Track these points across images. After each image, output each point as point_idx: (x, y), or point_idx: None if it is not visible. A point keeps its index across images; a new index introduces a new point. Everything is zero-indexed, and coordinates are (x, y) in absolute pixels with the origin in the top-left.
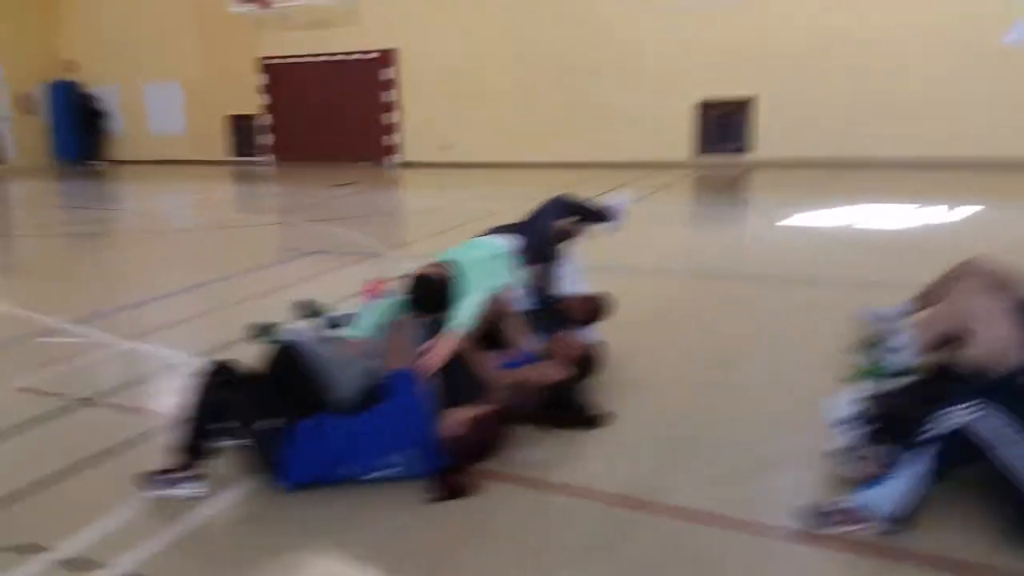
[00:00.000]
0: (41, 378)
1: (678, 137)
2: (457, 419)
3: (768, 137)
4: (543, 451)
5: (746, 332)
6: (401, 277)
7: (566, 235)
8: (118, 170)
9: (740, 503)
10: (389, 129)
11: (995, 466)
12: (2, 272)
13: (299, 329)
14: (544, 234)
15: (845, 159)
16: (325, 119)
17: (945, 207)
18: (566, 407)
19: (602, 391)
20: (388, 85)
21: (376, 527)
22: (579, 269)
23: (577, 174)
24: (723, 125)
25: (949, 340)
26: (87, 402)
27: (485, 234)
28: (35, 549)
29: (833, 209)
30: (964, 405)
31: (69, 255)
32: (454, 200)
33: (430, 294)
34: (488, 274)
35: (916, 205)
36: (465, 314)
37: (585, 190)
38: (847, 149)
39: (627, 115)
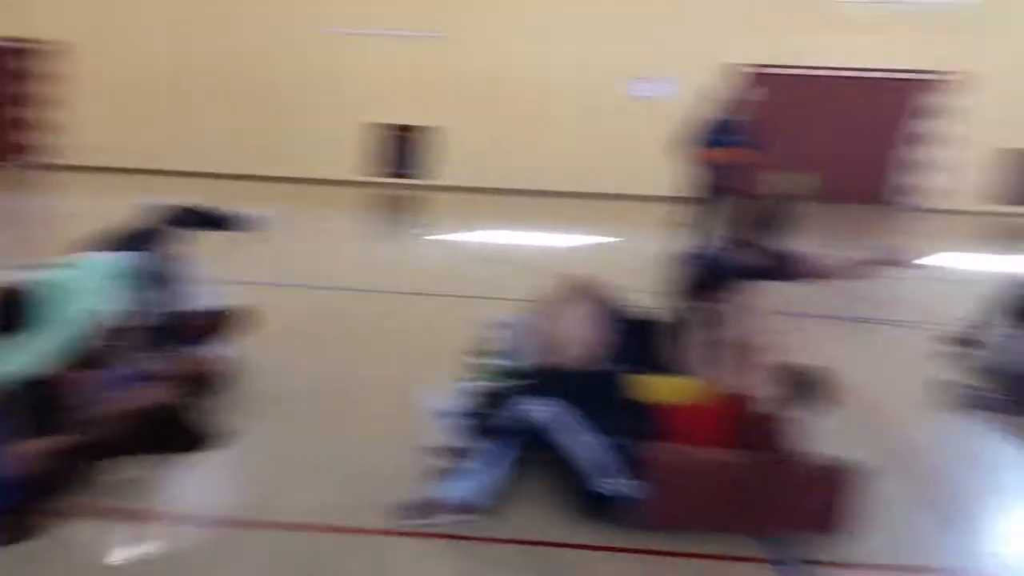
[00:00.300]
0: None
1: (355, 158)
2: (23, 453)
3: (441, 163)
4: (144, 479)
5: (382, 343)
6: None
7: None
8: None
9: (348, 510)
10: (25, 125)
11: (561, 454)
12: None
13: None
14: (162, 245)
15: (507, 188)
16: None
17: (576, 233)
18: (176, 430)
19: (230, 408)
20: (21, 77)
21: None
22: (209, 283)
23: (249, 187)
24: (399, 149)
25: (549, 345)
26: None
27: (98, 245)
28: None
29: (486, 230)
30: (535, 400)
31: None
32: (109, 207)
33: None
34: (87, 294)
35: (554, 231)
36: (47, 342)
37: (240, 204)
38: (509, 179)
39: (306, 132)
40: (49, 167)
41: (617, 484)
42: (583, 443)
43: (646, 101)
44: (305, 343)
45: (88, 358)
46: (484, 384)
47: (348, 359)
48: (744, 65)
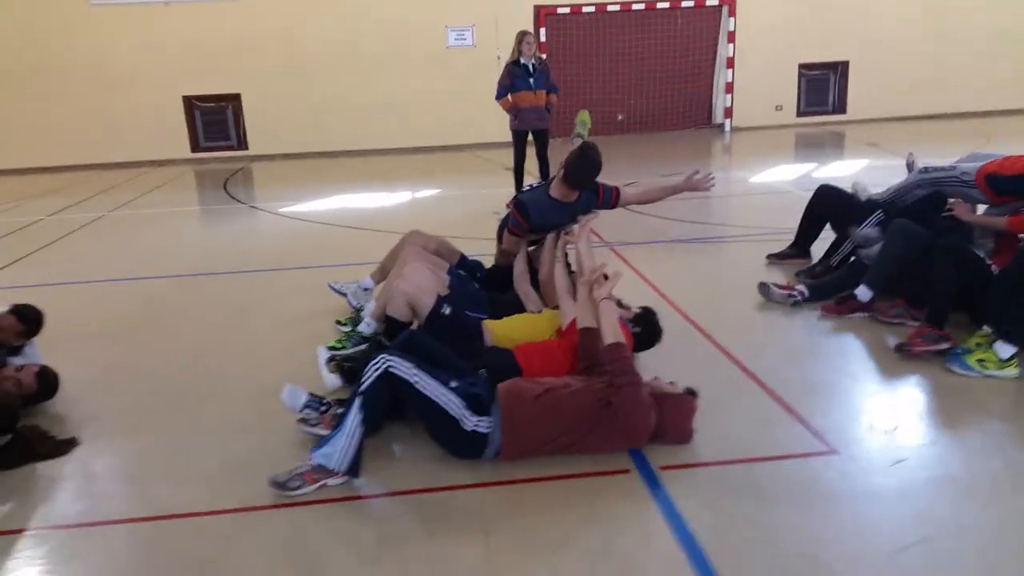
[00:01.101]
0: None
1: (169, 134)
2: None
3: (260, 132)
4: (12, 496)
5: (230, 323)
6: None
7: None
8: None
9: (227, 493)
10: None
11: (421, 402)
12: None
13: None
14: None
15: (328, 151)
16: None
17: (409, 190)
18: (23, 441)
19: (75, 415)
20: None
21: None
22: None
23: (58, 179)
24: (213, 121)
25: (398, 300)
26: None
27: None
28: None
29: (321, 198)
30: (392, 356)
31: None
32: None
33: None
34: None
35: (386, 190)
36: None
37: (64, 198)
38: (326, 142)
39: (112, 113)
40: None
41: (473, 421)
42: (436, 388)
43: (451, 50)
44: (150, 335)
45: None
46: (343, 350)
47: (199, 346)
48: (539, 7)
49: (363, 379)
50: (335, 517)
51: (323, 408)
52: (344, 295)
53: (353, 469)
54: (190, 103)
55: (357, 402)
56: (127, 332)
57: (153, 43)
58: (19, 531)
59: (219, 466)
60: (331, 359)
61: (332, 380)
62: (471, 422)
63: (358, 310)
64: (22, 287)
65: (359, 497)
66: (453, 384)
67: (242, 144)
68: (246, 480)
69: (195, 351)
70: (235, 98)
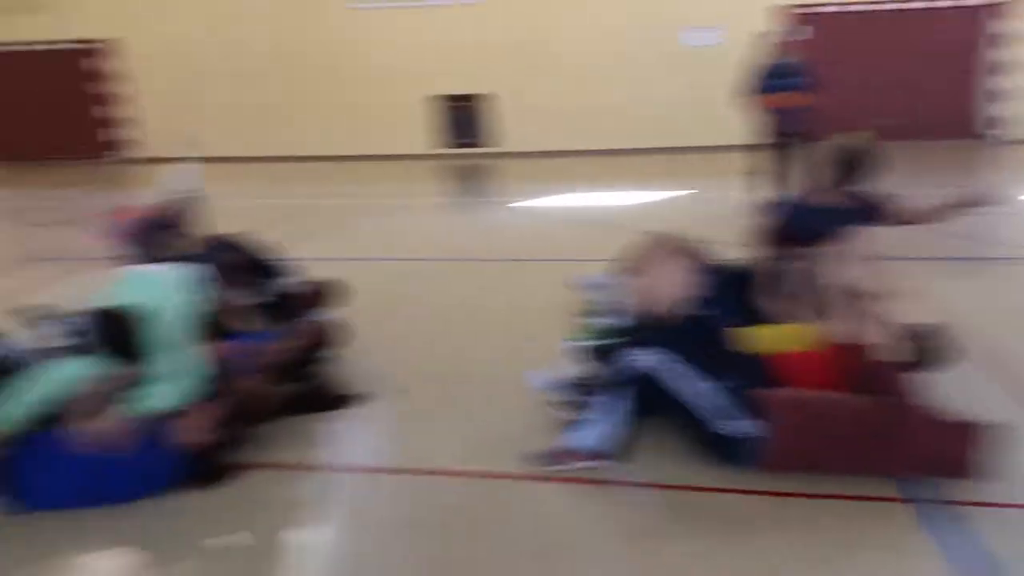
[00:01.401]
0: None
1: (419, 131)
2: (188, 429)
3: (504, 130)
4: (301, 437)
5: (475, 308)
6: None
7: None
8: None
9: (484, 459)
10: (107, 123)
11: (674, 400)
12: None
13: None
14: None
15: (572, 150)
16: (30, 115)
17: (649, 189)
18: (313, 392)
19: (350, 374)
20: (96, 76)
21: (130, 517)
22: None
23: (314, 168)
24: (460, 119)
25: (647, 299)
26: None
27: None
28: None
29: (563, 195)
30: (646, 350)
31: None
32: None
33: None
34: (174, 306)
35: (627, 188)
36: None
37: (329, 185)
38: (572, 141)
39: (369, 109)
40: (123, 162)
41: (735, 425)
42: (694, 388)
43: (699, 50)
44: (407, 313)
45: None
46: (590, 343)
47: (447, 327)
48: (792, 6)
49: (615, 371)
50: (583, 498)
51: (570, 394)
52: (584, 289)
53: (604, 455)
54: (439, 101)
55: (610, 392)
56: (382, 308)
57: (406, 43)
58: (300, 467)
59: (473, 434)
60: (577, 350)
61: (578, 369)
62: (724, 425)
63: (600, 306)
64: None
65: (607, 482)
66: (706, 384)
67: (487, 142)
68: (497, 450)
69: (443, 331)
70: (482, 97)
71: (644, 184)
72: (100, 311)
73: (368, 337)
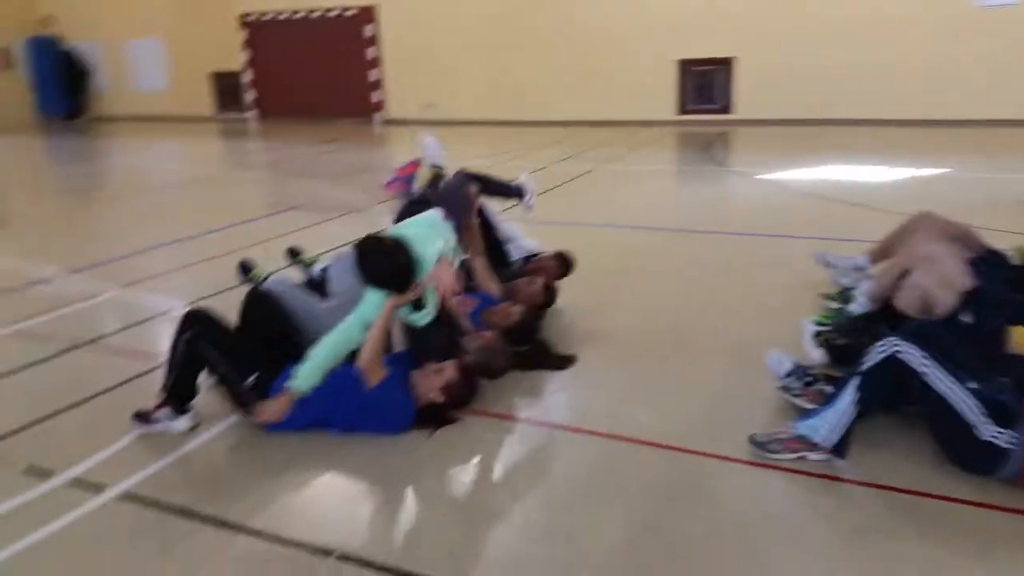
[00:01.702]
0: (35, 323)
1: (658, 96)
2: (429, 386)
3: (747, 96)
4: (520, 392)
5: (715, 282)
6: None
7: (471, 202)
8: (102, 126)
9: (698, 436)
10: (374, 86)
11: (924, 394)
12: None
13: (282, 278)
14: (458, 203)
15: (822, 119)
16: (308, 75)
17: (915, 167)
18: (539, 351)
19: (573, 337)
20: (370, 41)
21: (358, 453)
22: (517, 231)
23: (556, 132)
24: (703, 84)
25: (916, 292)
26: (80, 345)
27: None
28: (45, 473)
29: (809, 167)
30: (906, 342)
31: (58, 209)
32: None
33: (394, 266)
34: (433, 244)
35: (887, 164)
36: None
37: (563, 149)
38: (823, 109)
39: (606, 73)
40: (382, 123)
41: (1000, 433)
42: (959, 388)
43: (995, 10)
44: (634, 280)
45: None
46: (835, 328)
47: (679, 299)
48: None
49: (865, 359)
50: (813, 492)
51: (807, 380)
52: (833, 268)
53: (839, 448)
54: (683, 66)
55: (855, 381)
56: (616, 274)
57: (653, 6)
58: (518, 420)
59: (697, 410)
60: (818, 334)
61: (818, 355)
62: (988, 432)
63: (847, 289)
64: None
65: (839, 479)
66: (972, 385)
67: (728, 108)
68: (720, 430)
69: (676, 302)
70: (728, 61)
71: (900, 159)
72: (381, 246)
73: (595, 302)
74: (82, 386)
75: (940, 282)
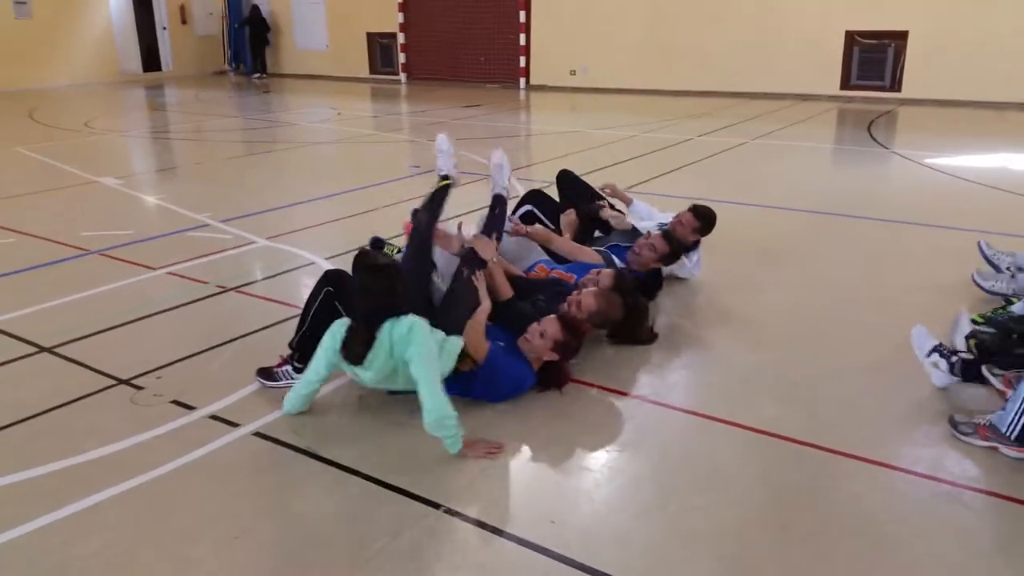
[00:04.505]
0: (189, 266)
1: (822, 68)
2: (539, 348)
3: (918, 74)
4: (640, 368)
5: (863, 271)
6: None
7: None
8: (272, 83)
9: (823, 431)
10: (523, 50)
11: None
12: (158, 171)
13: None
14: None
15: (1000, 101)
16: (458, 39)
17: None
18: (638, 321)
19: (706, 316)
20: (523, 4)
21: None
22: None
23: (708, 103)
24: (871, 59)
25: None
26: (228, 290)
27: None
28: (188, 407)
29: (982, 153)
30: None
31: (219, 160)
32: (580, 125)
33: None
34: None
35: None
36: None
37: (714, 121)
38: (1002, 91)
39: (767, 43)
40: (536, 88)
41: None
42: None
43: None
44: (776, 263)
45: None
46: (990, 322)
47: (829, 285)
48: None
49: None
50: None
51: (952, 362)
52: (994, 267)
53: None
54: (851, 38)
55: None
56: (758, 255)
57: None
58: (629, 394)
59: (825, 405)
60: (971, 335)
61: (938, 376)
62: None
63: (1011, 287)
64: (667, 196)
65: (974, 488)
66: None
67: (895, 85)
68: (847, 427)
69: (818, 290)
70: (901, 35)
71: None
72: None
73: (734, 283)
74: (228, 328)
75: None
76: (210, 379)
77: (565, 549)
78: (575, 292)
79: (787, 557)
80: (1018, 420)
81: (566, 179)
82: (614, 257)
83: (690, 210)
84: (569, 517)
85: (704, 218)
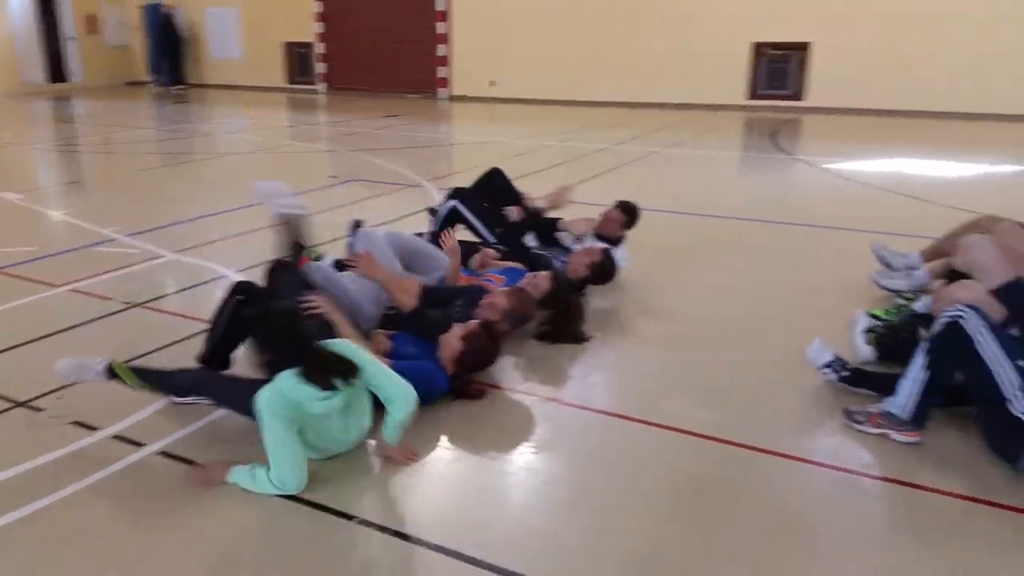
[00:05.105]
0: (94, 283)
1: (729, 79)
2: (452, 336)
3: (820, 83)
4: (554, 372)
5: (771, 274)
6: None
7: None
8: (188, 93)
9: (734, 427)
10: (441, 61)
11: (972, 363)
12: (64, 184)
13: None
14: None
15: (896, 109)
16: (378, 49)
17: (991, 164)
18: (559, 319)
19: (619, 318)
20: (441, 16)
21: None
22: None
23: (622, 113)
24: (776, 69)
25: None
26: (135, 306)
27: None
28: (90, 427)
29: (878, 159)
30: (958, 306)
31: (128, 173)
32: (500, 135)
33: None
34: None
35: (961, 160)
36: None
37: (626, 131)
38: (899, 100)
39: (677, 55)
40: (455, 99)
41: None
42: (1005, 362)
43: None
44: (687, 267)
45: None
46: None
47: (735, 287)
48: None
49: (933, 328)
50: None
51: (844, 374)
52: (885, 265)
53: (917, 419)
54: (758, 50)
55: (923, 347)
56: (669, 260)
57: None
58: (545, 397)
59: (736, 402)
60: (870, 329)
61: (865, 351)
62: (1021, 406)
63: (904, 288)
64: (583, 203)
65: (874, 476)
66: (1020, 363)
67: (799, 95)
68: (757, 422)
69: (728, 292)
70: (804, 47)
71: (975, 156)
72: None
73: (646, 286)
74: (134, 345)
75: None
76: (113, 398)
77: (483, 553)
78: (488, 296)
79: (699, 547)
80: (911, 401)
81: (499, 177)
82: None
83: (617, 206)
84: (487, 521)
85: (630, 212)
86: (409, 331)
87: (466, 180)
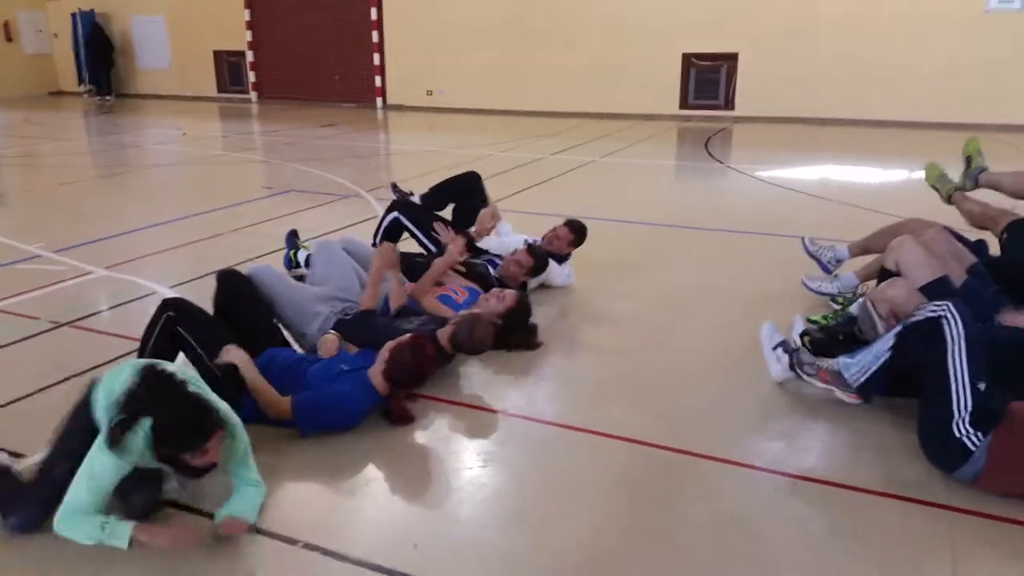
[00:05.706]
0: (18, 301)
1: (661, 90)
2: (385, 348)
3: (749, 93)
4: (496, 382)
5: (707, 280)
6: None
7: None
8: (116, 103)
9: (676, 433)
10: (377, 70)
11: (937, 367)
12: None
13: (264, 266)
14: None
15: (822, 118)
16: (312, 58)
17: (911, 169)
18: (511, 332)
19: (560, 329)
20: (375, 25)
21: (320, 442)
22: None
23: (558, 123)
24: (706, 80)
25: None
26: (62, 325)
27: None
28: (16, 455)
29: (807, 166)
30: (949, 304)
31: (52, 186)
32: (438, 144)
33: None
34: None
35: (885, 166)
36: None
37: (562, 141)
38: (824, 108)
39: (610, 66)
40: (381, 108)
41: (971, 436)
42: (966, 380)
43: (1003, 15)
44: (624, 276)
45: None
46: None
47: (674, 294)
48: None
49: (916, 314)
50: (782, 492)
51: (792, 358)
52: (817, 260)
53: (865, 391)
54: (688, 60)
55: (897, 329)
56: (606, 269)
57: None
58: (487, 408)
59: (677, 408)
60: (804, 332)
61: (776, 369)
62: (963, 430)
63: (838, 291)
64: (523, 212)
65: (812, 480)
66: (982, 385)
67: (729, 104)
68: (698, 428)
69: (666, 299)
70: (732, 57)
71: (895, 162)
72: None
73: (584, 296)
74: (62, 366)
75: (909, 300)
76: (41, 422)
77: (431, 571)
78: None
79: (643, 554)
80: (863, 372)
81: (476, 179)
82: (490, 268)
83: (566, 224)
84: (432, 538)
85: (578, 231)
86: (354, 332)
87: (406, 188)
